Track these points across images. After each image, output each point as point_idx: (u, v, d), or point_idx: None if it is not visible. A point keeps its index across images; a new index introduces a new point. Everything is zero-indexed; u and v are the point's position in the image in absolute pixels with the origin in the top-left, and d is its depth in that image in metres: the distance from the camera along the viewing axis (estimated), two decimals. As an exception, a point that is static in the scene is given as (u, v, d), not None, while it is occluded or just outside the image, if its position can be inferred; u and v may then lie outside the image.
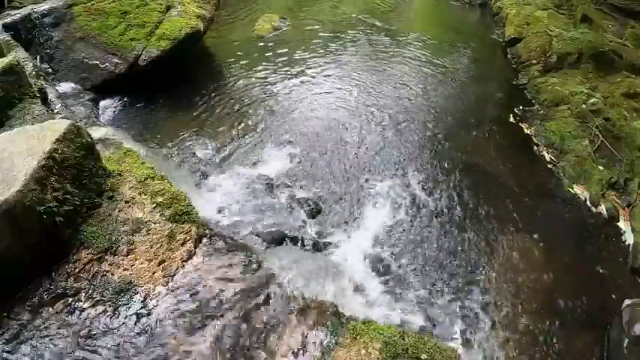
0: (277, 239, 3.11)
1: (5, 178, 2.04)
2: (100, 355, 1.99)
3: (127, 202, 2.54)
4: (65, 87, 4.21)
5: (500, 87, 5.56)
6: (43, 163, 2.16)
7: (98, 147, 2.63)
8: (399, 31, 6.82)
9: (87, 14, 4.53)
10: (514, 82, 5.63)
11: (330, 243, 3.23)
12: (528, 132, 4.74)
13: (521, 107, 5.09)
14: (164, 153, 3.88)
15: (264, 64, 5.47)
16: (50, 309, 2.08)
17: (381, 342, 2.18)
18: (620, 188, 4.02)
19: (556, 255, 3.40)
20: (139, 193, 2.61)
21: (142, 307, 2.18)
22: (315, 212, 3.45)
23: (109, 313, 2.12)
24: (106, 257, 2.30)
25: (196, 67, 5.27)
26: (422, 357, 2.15)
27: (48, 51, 4.39)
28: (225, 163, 3.85)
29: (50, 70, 4.32)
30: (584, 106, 4.82)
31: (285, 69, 5.42)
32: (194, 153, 3.93)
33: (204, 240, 2.59)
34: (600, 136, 4.48)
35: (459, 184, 3.93)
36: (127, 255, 2.34)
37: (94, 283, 2.20)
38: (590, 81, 5.27)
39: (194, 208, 2.71)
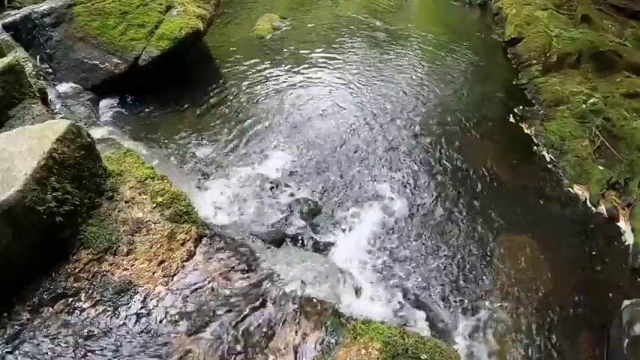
0: (277, 239, 3.11)
1: (5, 178, 2.04)
2: (100, 355, 1.99)
3: (127, 202, 2.54)
4: (65, 87, 4.20)
5: (500, 87, 5.56)
6: (43, 163, 2.15)
7: (98, 147, 2.63)
8: (399, 31, 6.82)
9: (87, 14, 4.52)
10: (514, 82, 5.63)
11: (329, 243, 3.23)
12: (528, 132, 4.74)
13: (521, 107, 5.09)
14: (164, 153, 3.88)
15: (264, 64, 5.47)
16: (50, 309, 2.08)
17: (381, 342, 2.18)
18: (620, 188, 4.02)
19: (556, 255, 3.40)
20: (139, 193, 2.61)
21: (142, 307, 2.18)
22: (315, 212, 3.45)
23: (109, 313, 2.12)
24: (106, 257, 2.30)
25: (196, 67, 5.27)
26: (422, 357, 2.15)
27: (48, 51, 4.39)
28: (226, 163, 3.85)
29: (50, 70, 4.32)
30: (584, 106, 4.81)
31: (285, 69, 5.41)
32: (194, 153, 3.93)
33: (204, 240, 2.59)
34: (600, 136, 4.48)
35: (458, 184, 3.93)
36: (127, 255, 2.34)
37: (94, 283, 2.20)
38: (590, 81, 5.27)
39: (194, 208, 2.71)
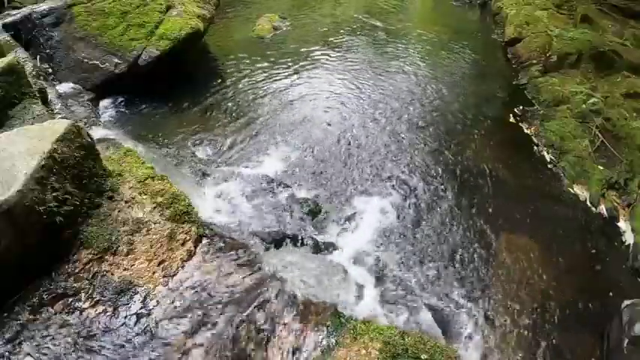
0: (277, 239, 3.11)
1: (5, 178, 2.04)
2: (100, 355, 1.99)
3: (127, 202, 2.54)
4: (65, 87, 4.21)
5: (500, 87, 5.56)
6: (43, 163, 2.15)
7: (98, 147, 2.63)
8: (399, 31, 6.83)
9: (87, 14, 4.53)
10: (514, 82, 5.63)
11: (329, 243, 3.23)
12: (528, 132, 4.74)
13: (521, 107, 5.09)
14: (164, 153, 3.88)
15: (263, 64, 5.47)
16: (50, 309, 2.08)
17: (381, 342, 2.18)
18: (620, 188, 4.01)
19: (556, 255, 3.40)
20: (139, 193, 2.61)
21: (142, 307, 2.18)
22: (315, 212, 3.45)
23: (109, 313, 2.12)
24: (106, 257, 2.30)
25: (196, 67, 5.27)
26: (422, 357, 2.15)
27: (48, 51, 4.39)
28: (225, 163, 3.85)
29: (50, 70, 4.32)
30: (584, 106, 4.81)
31: (285, 69, 5.42)
32: (194, 153, 3.93)
33: (204, 240, 2.59)
34: (600, 136, 4.48)
35: (458, 183, 3.93)
36: (127, 255, 2.34)
37: (94, 283, 2.20)
38: (590, 81, 5.26)
39: (194, 208, 2.71)
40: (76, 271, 2.21)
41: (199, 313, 2.22)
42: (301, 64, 5.57)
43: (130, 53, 4.43)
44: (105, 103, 4.37)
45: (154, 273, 2.32)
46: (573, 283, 3.21)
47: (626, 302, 2.90)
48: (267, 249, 2.91)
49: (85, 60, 4.39)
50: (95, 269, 2.24)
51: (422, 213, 3.60)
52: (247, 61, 5.47)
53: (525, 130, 4.76)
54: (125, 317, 2.13)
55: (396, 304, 2.87)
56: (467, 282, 3.12)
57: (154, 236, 2.45)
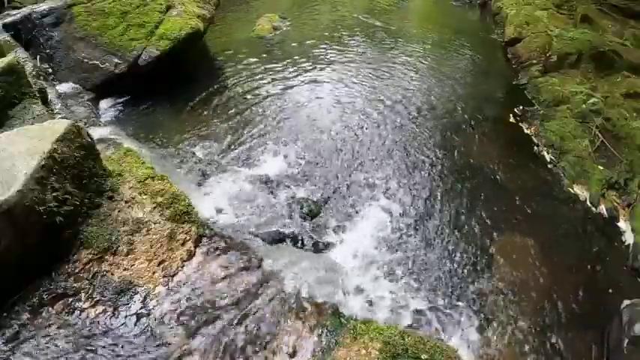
0: (277, 239, 3.11)
1: (5, 178, 2.04)
2: (100, 355, 1.99)
3: (127, 202, 2.55)
4: (65, 87, 4.21)
5: (500, 87, 5.56)
6: (43, 163, 2.16)
7: (98, 147, 2.63)
8: (399, 31, 6.83)
9: (87, 14, 4.53)
10: (514, 82, 5.63)
11: (329, 243, 3.23)
12: (528, 132, 4.74)
13: (521, 107, 5.09)
14: (164, 153, 3.88)
15: (264, 64, 5.47)
16: (50, 309, 2.08)
17: (381, 342, 2.18)
18: (620, 188, 4.01)
19: (556, 255, 3.40)
20: (139, 193, 2.61)
21: (142, 307, 2.18)
22: (314, 212, 3.45)
23: (109, 313, 2.13)
24: (106, 257, 2.30)
25: (196, 67, 5.27)
26: (422, 357, 2.15)
27: (48, 51, 4.39)
28: (225, 163, 3.85)
29: (50, 70, 4.32)
30: (584, 106, 4.81)
31: (285, 69, 5.42)
32: (194, 153, 3.93)
33: (204, 240, 2.59)
34: (600, 136, 4.48)
35: (458, 184, 3.93)
36: (127, 255, 2.34)
37: (94, 283, 2.21)
38: (590, 81, 5.26)
39: (194, 208, 2.72)
40: (76, 271, 2.22)
41: (199, 313, 2.22)
42: (301, 64, 5.57)
43: (130, 53, 4.43)
44: (105, 103, 4.37)
45: (154, 273, 2.32)
46: (573, 283, 3.21)
47: (626, 302, 2.90)
48: (267, 249, 2.92)
49: (85, 60, 4.39)
50: (95, 269, 2.25)
51: (421, 213, 3.60)
52: (247, 61, 5.47)
53: (525, 130, 4.76)
54: (125, 317, 2.13)
55: (396, 303, 2.87)
56: (467, 282, 3.12)
57: (154, 236, 2.45)
